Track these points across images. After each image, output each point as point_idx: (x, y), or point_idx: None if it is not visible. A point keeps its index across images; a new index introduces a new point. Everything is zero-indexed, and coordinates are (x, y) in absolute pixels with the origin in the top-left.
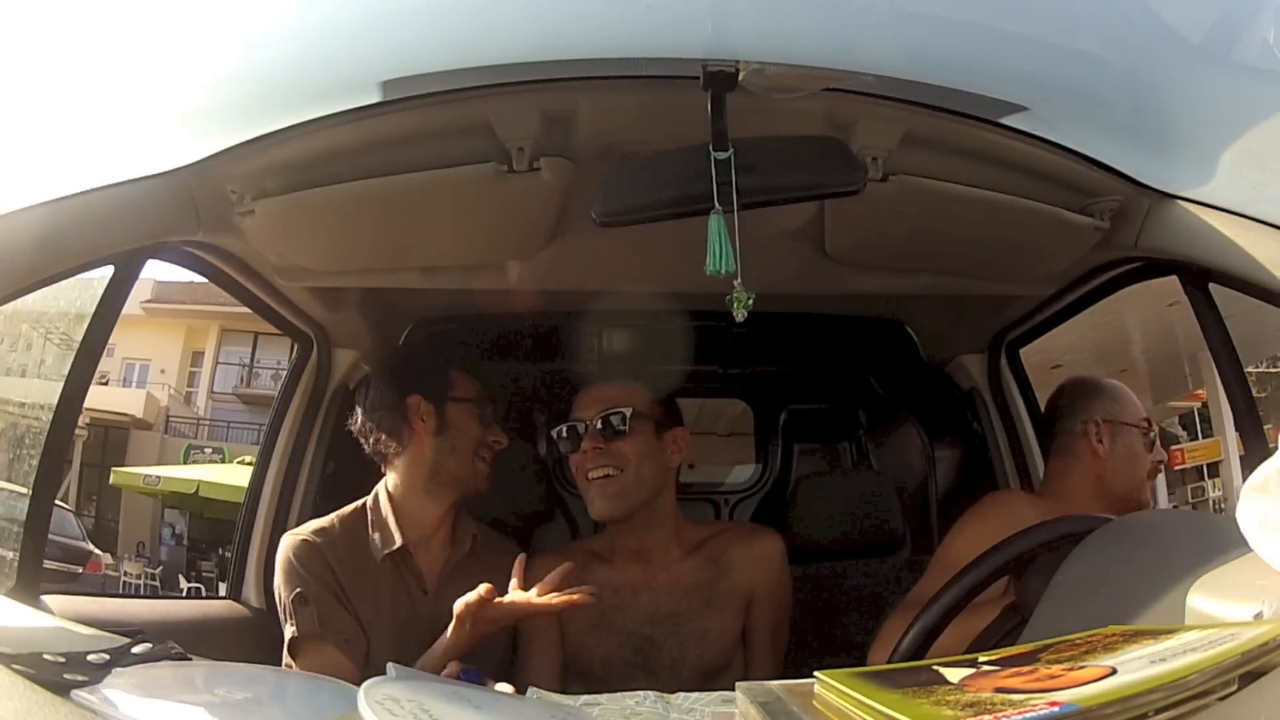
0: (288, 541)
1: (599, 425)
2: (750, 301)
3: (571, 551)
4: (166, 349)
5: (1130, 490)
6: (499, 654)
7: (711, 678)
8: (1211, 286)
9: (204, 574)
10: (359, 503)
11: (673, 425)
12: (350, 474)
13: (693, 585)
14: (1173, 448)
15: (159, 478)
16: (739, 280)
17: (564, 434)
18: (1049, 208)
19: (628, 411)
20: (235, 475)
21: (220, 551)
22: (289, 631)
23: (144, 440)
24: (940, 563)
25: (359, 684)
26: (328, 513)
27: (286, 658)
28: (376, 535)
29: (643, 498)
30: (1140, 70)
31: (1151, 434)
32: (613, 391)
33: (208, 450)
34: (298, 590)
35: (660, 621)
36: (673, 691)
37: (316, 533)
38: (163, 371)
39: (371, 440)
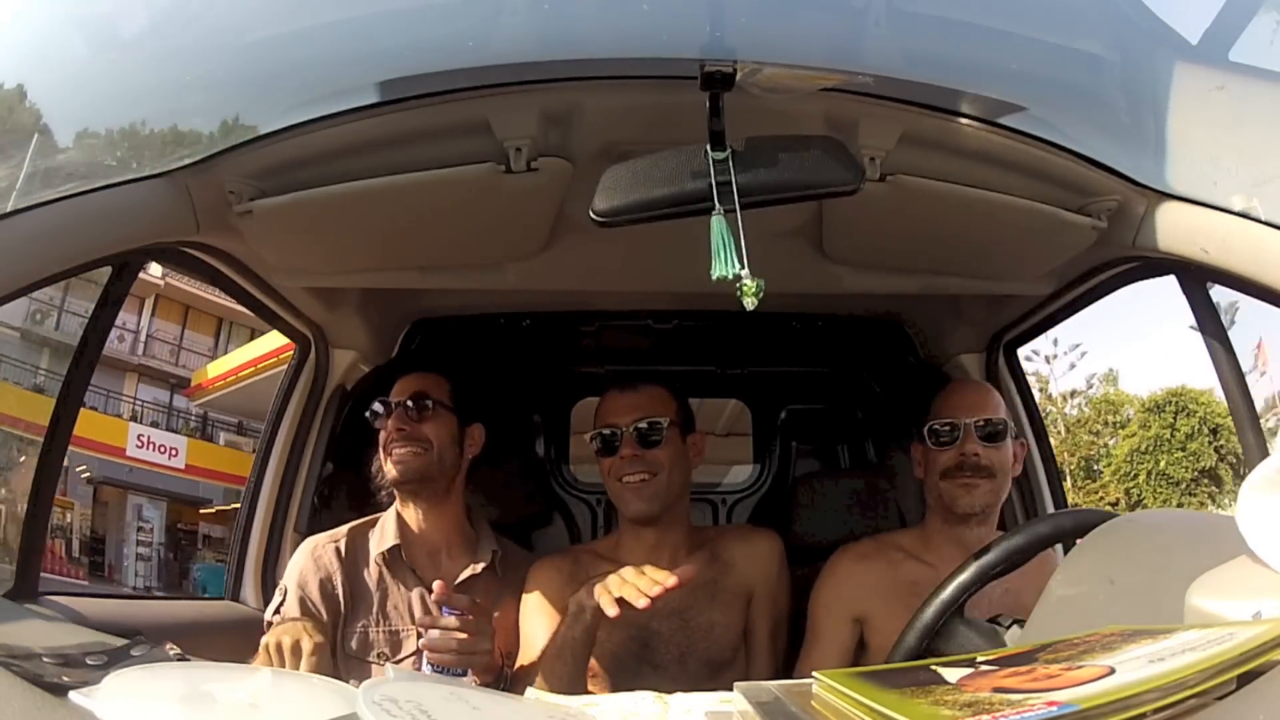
0: (304, 546)
1: (635, 433)
2: (760, 290)
3: (575, 552)
4: None
5: (938, 499)
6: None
7: (717, 672)
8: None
9: None
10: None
11: (691, 429)
12: (349, 474)
13: (699, 582)
14: None
15: None
16: (745, 269)
17: (598, 439)
18: (1047, 207)
19: (664, 422)
20: None
21: None
22: (269, 611)
23: None
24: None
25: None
26: (326, 513)
27: None
28: (375, 536)
29: (673, 499)
30: (1139, 70)
31: (937, 431)
32: (645, 399)
33: None
34: (283, 583)
35: (668, 616)
36: (678, 685)
37: (331, 538)
38: None
39: None
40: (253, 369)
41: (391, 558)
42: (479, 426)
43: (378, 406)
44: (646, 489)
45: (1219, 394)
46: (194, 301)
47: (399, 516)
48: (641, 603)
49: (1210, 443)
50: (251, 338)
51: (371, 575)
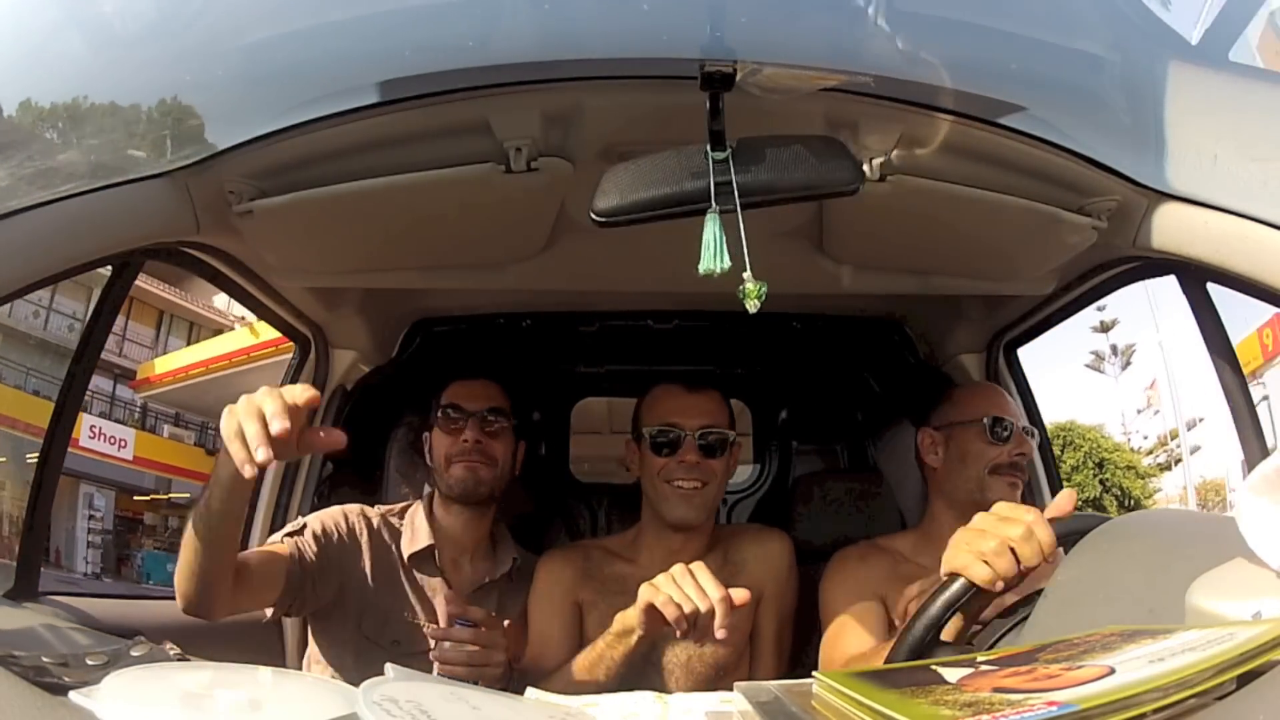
0: (337, 507)
1: (699, 439)
2: (763, 292)
3: (586, 547)
4: None
5: (970, 491)
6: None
7: (722, 675)
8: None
9: None
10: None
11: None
12: (349, 474)
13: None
14: None
15: None
16: (748, 272)
17: (661, 436)
18: (1047, 207)
19: (731, 436)
20: None
21: None
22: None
23: None
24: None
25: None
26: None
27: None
28: (405, 532)
29: (715, 506)
30: (1139, 70)
31: (1001, 428)
32: (711, 405)
33: None
34: (307, 522)
35: None
36: (685, 688)
37: (363, 511)
38: None
39: None
40: (204, 369)
41: (421, 558)
42: (523, 444)
43: (449, 411)
44: (698, 497)
45: (1108, 429)
46: (137, 293)
47: (431, 517)
48: (720, 633)
49: (1095, 475)
50: (189, 332)
51: (397, 564)
